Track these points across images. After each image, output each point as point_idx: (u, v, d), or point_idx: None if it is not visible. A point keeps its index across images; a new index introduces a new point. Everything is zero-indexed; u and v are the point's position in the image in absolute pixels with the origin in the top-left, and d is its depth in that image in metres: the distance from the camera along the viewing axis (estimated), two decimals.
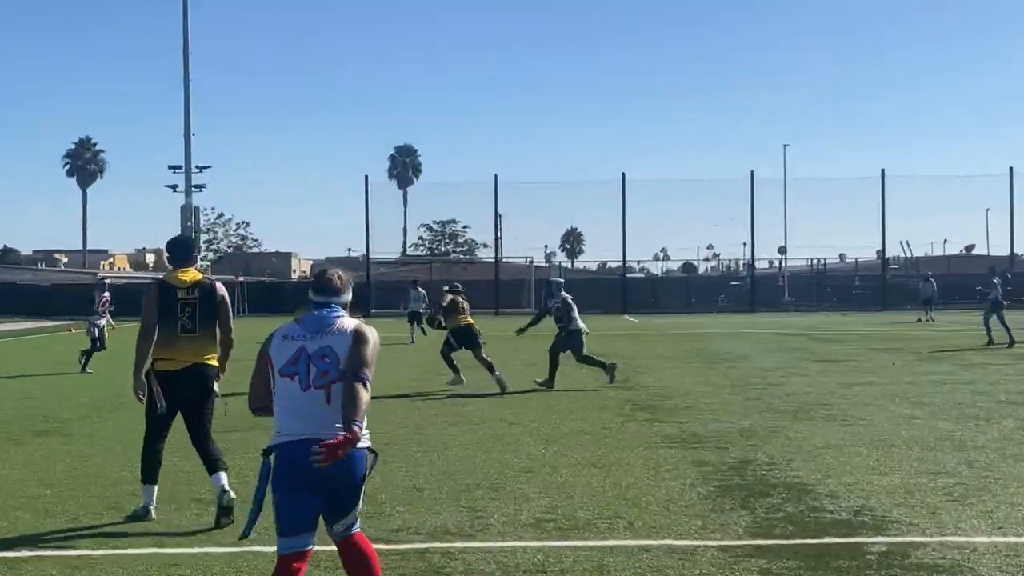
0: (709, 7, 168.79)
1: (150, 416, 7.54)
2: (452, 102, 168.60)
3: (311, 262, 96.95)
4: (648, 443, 10.52)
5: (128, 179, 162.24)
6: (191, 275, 7.66)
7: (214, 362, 7.63)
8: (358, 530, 4.80)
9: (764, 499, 7.82)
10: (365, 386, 4.60)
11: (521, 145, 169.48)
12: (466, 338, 16.67)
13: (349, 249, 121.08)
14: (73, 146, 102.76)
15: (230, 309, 7.81)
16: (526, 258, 68.59)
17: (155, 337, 7.42)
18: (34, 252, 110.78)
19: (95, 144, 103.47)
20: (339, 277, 4.89)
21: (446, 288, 18.76)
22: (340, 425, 4.52)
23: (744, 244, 71.37)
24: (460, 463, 9.48)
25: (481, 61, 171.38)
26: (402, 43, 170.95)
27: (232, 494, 7.27)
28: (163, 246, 8.33)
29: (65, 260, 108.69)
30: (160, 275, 8.36)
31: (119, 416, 12.82)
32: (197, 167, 49.07)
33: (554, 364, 16.40)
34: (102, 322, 20.51)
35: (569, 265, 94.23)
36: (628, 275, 64.98)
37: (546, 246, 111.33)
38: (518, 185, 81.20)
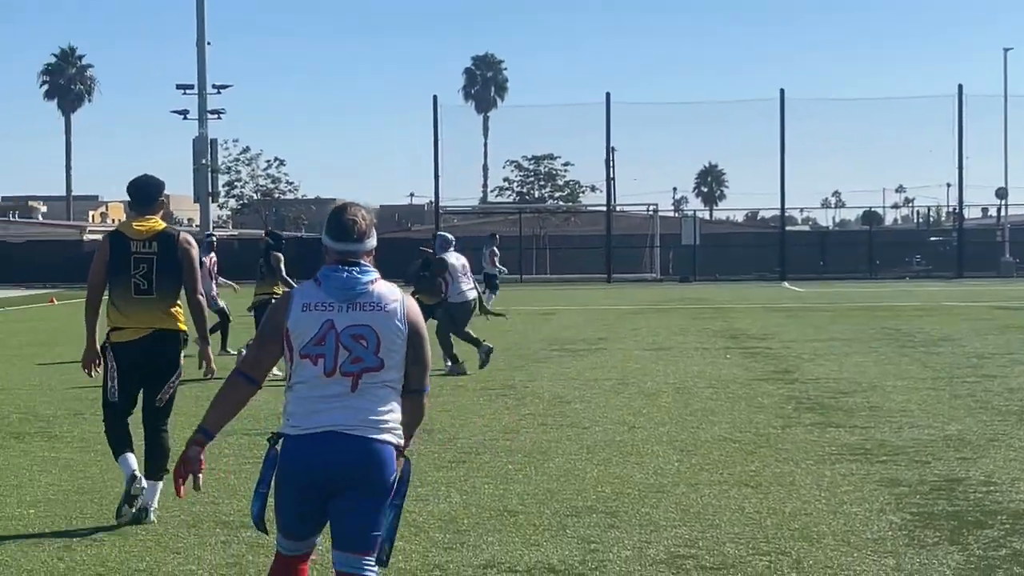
0: None
1: (105, 397, 8.25)
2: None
3: None
4: (819, 455, 10.43)
5: (123, 103, 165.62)
6: (151, 224, 8.17)
7: (180, 326, 8.19)
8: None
9: (980, 531, 7.70)
10: (427, 398, 5.15)
11: (640, 56, 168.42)
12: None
13: (411, 195, 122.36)
14: (53, 59, 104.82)
15: (196, 264, 8.29)
16: (647, 206, 68.42)
17: (103, 299, 8.20)
18: (3, 200, 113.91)
19: (81, 57, 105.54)
20: (363, 216, 4.95)
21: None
22: (371, 419, 4.78)
23: (948, 186, 70.26)
24: (566, 479, 9.53)
25: None
26: None
27: (153, 514, 8.02)
28: (173, 191, 8.80)
29: (44, 210, 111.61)
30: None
31: None
32: (214, 87, 50.06)
33: (471, 340, 17.30)
34: (215, 290, 20.81)
35: (707, 215, 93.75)
36: (788, 228, 64.37)
37: (675, 189, 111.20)
38: (638, 108, 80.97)
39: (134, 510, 7.86)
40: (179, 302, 8.25)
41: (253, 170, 71.96)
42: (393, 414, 4.87)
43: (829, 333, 23.93)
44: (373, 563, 4.79)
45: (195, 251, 8.33)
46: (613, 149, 62.84)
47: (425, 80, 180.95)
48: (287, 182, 73.76)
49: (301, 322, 4.79)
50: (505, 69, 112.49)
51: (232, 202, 73.45)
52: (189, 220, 69.36)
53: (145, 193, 8.26)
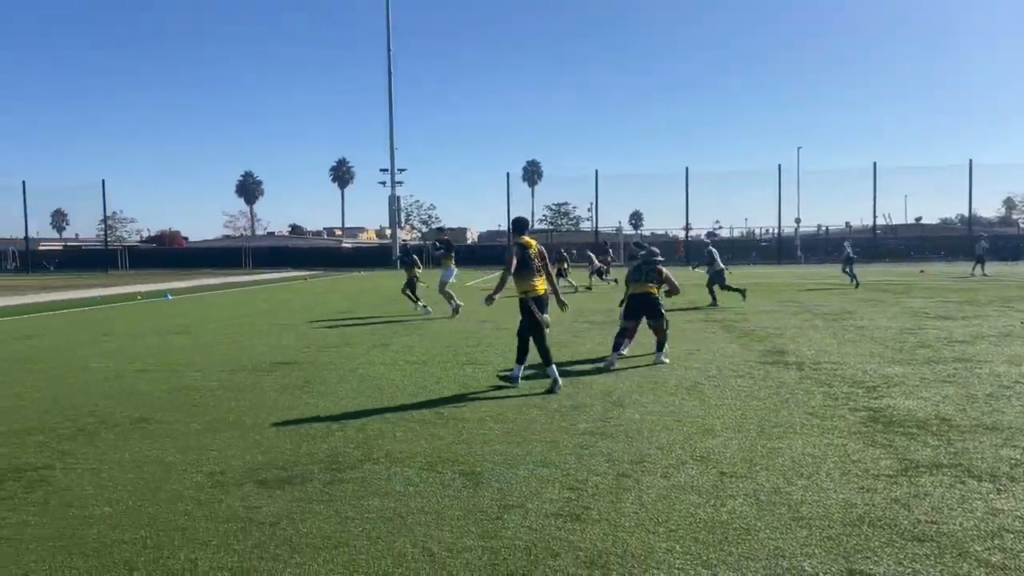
0: None
1: (521, 326, 14.80)
2: None
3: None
4: None
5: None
6: (532, 240, 14.92)
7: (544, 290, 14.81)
8: None
9: None
10: None
11: None
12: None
13: None
14: None
15: (546, 257, 14.93)
16: None
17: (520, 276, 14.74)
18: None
19: None
20: None
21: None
22: None
23: None
24: None
25: None
26: None
27: (559, 381, 14.12)
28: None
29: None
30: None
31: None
32: None
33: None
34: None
35: None
36: None
37: None
38: None
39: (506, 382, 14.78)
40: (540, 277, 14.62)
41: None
42: None
43: None
44: None
45: (544, 251, 14.94)
46: None
47: None
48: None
49: None
50: None
51: None
52: None
53: (521, 225, 14.83)
